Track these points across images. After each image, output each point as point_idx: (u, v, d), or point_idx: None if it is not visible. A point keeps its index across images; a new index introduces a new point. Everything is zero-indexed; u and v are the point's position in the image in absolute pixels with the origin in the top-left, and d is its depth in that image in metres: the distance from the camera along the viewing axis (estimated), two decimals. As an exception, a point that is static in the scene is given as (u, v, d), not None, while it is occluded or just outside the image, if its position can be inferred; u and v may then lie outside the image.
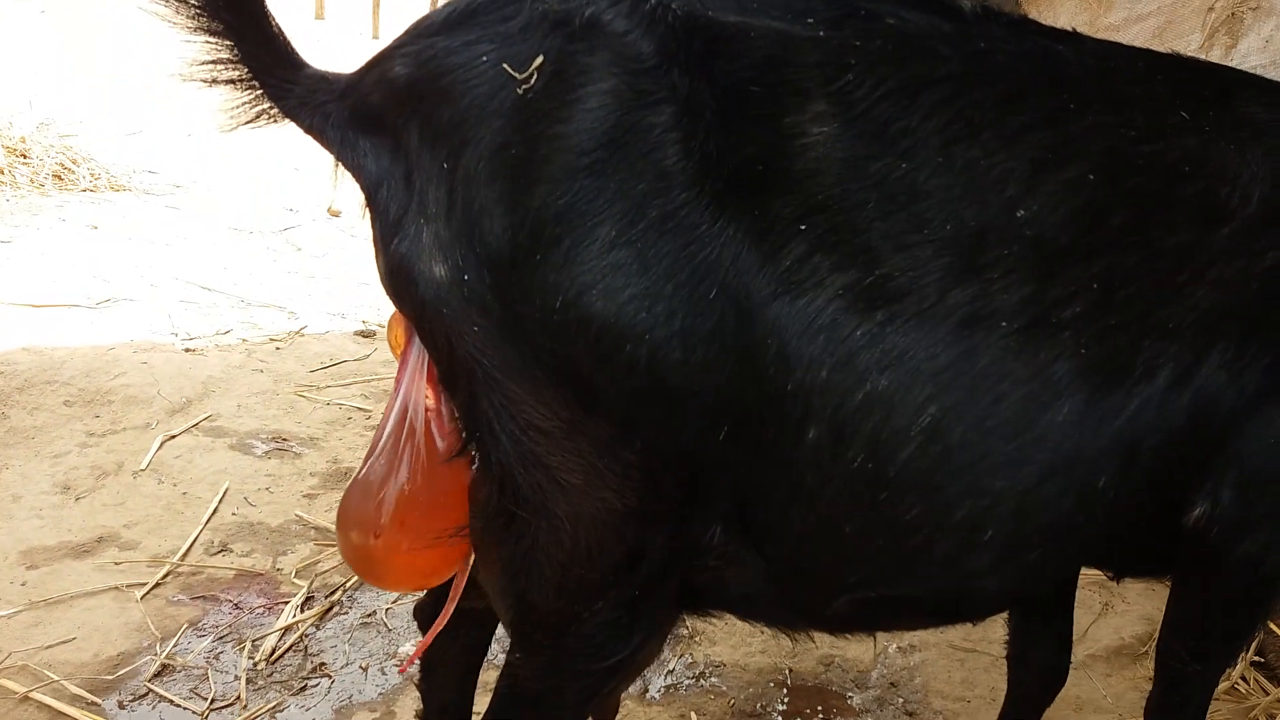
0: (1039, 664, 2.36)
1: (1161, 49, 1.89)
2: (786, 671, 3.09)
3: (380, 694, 2.88)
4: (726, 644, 3.21)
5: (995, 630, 3.28)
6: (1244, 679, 2.80)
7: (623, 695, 2.96)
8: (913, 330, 1.52)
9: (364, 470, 1.69)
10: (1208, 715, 2.63)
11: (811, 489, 1.58)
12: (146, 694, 2.77)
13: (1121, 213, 1.62)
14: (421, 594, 2.24)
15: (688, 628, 3.25)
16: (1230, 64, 4.69)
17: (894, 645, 3.20)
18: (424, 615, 2.17)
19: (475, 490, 1.67)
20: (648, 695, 2.97)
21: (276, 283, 5.96)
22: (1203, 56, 3.49)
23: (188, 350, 4.88)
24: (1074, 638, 3.18)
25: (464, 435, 1.60)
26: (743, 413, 1.53)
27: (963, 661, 3.12)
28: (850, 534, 1.61)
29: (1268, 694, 2.67)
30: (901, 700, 2.98)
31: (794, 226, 1.50)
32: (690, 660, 3.13)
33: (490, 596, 1.77)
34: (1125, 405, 1.59)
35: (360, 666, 2.99)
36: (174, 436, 4.06)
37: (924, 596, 1.72)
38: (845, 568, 1.66)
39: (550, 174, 1.46)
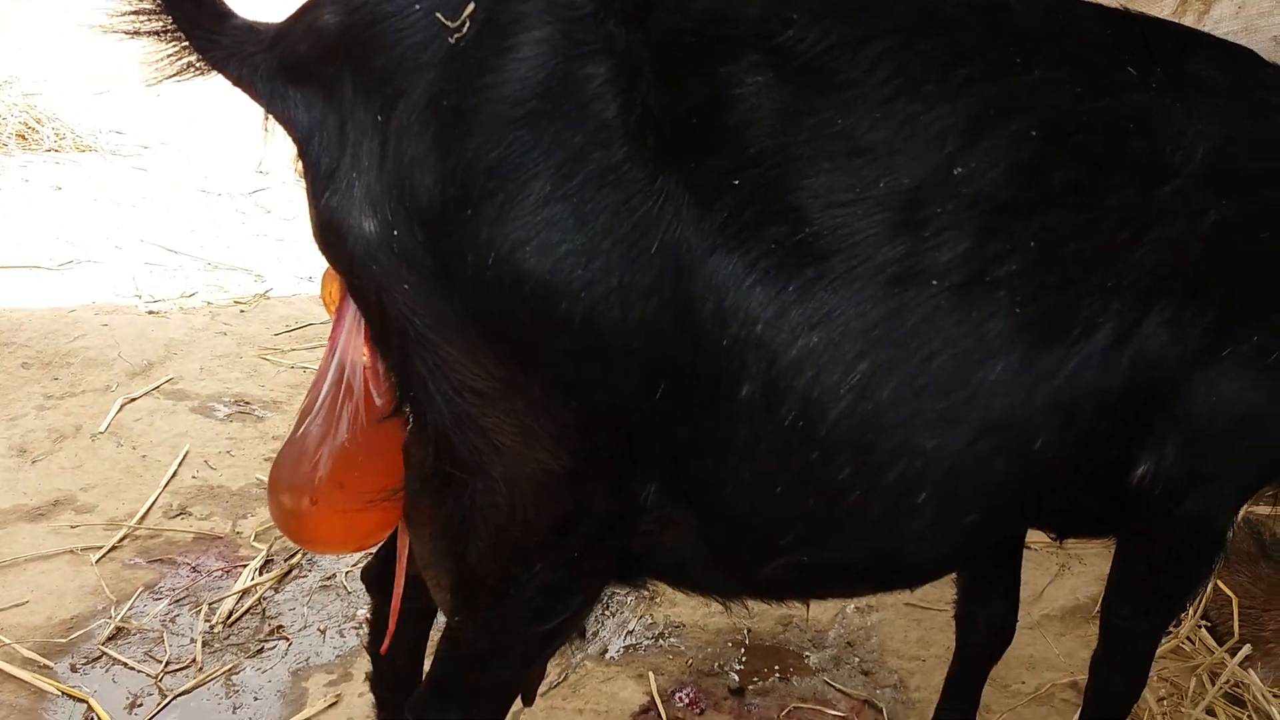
0: (987, 623, 2.36)
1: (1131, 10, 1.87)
2: (745, 632, 3.10)
3: (338, 656, 2.88)
4: (687, 605, 3.21)
5: (951, 590, 3.29)
6: (1190, 639, 2.83)
7: (582, 655, 2.98)
8: (844, 287, 1.50)
9: (299, 431, 1.66)
10: (1154, 675, 2.67)
11: (744, 447, 1.56)
12: (100, 657, 2.76)
13: (1063, 170, 1.60)
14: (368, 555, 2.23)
15: (649, 589, 3.26)
16: (1203, 30, 4.66)
17: (851, 606, 3.22)
18: (371, 578, 2.16)
19: (411, 451, 1.66)
20: (607, 655, 2.98)
21: (244, 245, 5.88)
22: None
23: (151, 313, 4.82)
24: (1030, 598, 3.22)
25: (398, 396, 1.58)
26: (680, 370, 1.51)
27: (919, 621, 3.14)
28: (783, 494, 1.59)
29: (1213, 653, 2.70)
30: (858, 659, 3.01)
31: (729, 180, 1.48)
32: (650, 621, 3.14)
33: (422, 561, 1.76)
34: (1063, 364, 1.58)
35: (318, 629, 2.98)
36: (134, 399, 4.02)
37: (860, 560, 1.71)
38: (779, 530, 1.65)
39: (482, 125, 1.42)
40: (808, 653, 3.04)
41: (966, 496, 1.62)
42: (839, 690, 2.87)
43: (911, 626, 3.11)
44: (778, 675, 2.93)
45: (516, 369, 1.50)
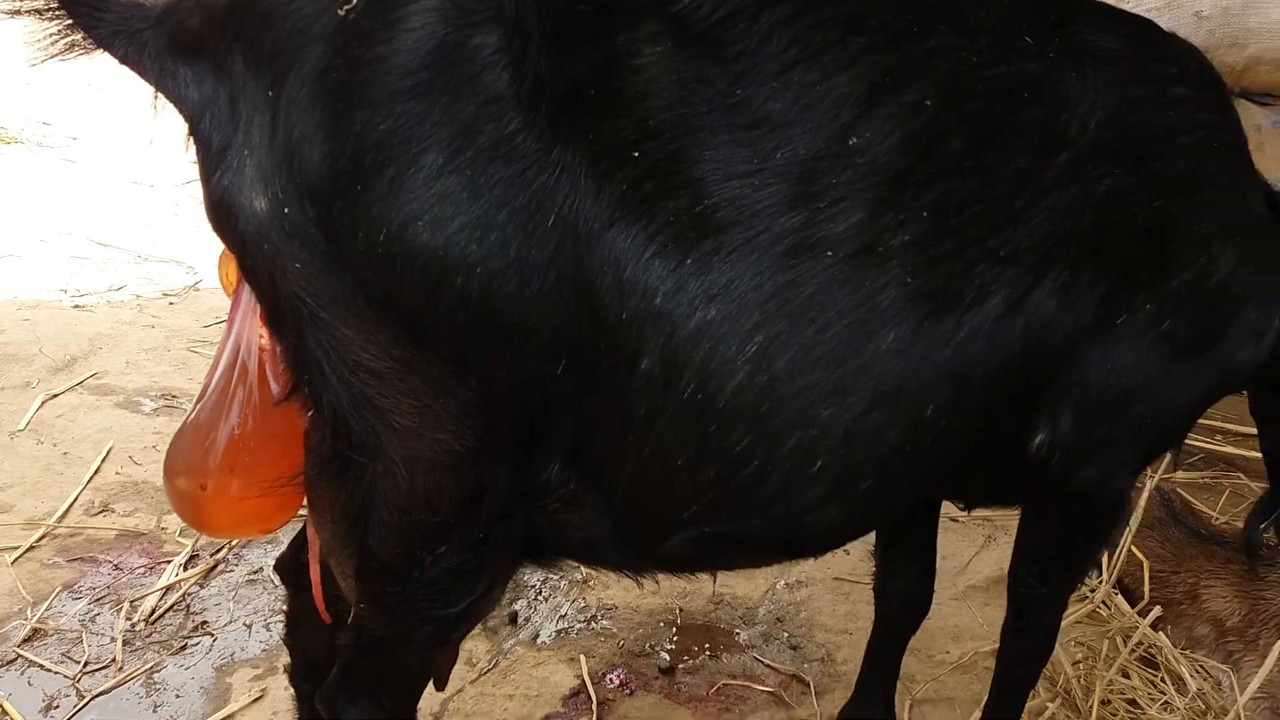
0: (904, 594, 2.39)
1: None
2: (677, 611, 3.11)
3: (264, 650, 2.85)
4: (620, 588, 3.22)
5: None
6: (1105, 604, 2.89)
7: (514, 641, 2.97)
8: (741, 259, 1.50)
9: (193, 414, 1.64)
10: (1070, 640, 2.72)
11: (645, 421, 1.56)
12: (15, 659, 2.70)
13: (959, 138, 1.60)
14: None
15: (582, 573, 3.26)
16: (1125, 5, 4.73)
17: (781, 582, 3.25)
18: (284, 568, 2.13)
19: (309, 435, 1.64)
20: (539, 640, 2.98)
21: (175, 237, 5.76)
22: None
23: (76, 307, 4.72)
24: (956, 569, 3.28)
25: (293, 378, 1.56)
26: (580, 345, 1.51)
27: (847, 595, 3.18)
28: (683, 467, 1.59)
29: (1126, 617, 2.76)
30: (787, 634, 3.03)
31: (628, 151, 1.46)
32: (583, 604, 3.14)
33: (326, 547, 1.73)
34: (955, 333, 1.59)
35: (244, 624, 2.94)
36: (56, 395, 3.93)
37: (762, 530, 1.71)
38: (680, 503, 1.65)
39: (371, 98, 1.40)
40: (738, 630, 3.05)
41: (862, 464, 1.63)
42: (768, 665, 2.89)
43: (840, 601, 3.14)
44: (708, 653, 2.95)
45: (413, 347, 1.48)
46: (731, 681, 2.83)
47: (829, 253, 1.52)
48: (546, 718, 2.69)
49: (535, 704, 2.73)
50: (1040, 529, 2.01)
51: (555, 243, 1.44)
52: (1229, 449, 4.08)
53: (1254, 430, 4.21)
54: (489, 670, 2.84)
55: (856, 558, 3.34)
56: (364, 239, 1.42)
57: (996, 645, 2.77)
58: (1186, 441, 4.16)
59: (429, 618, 1.69)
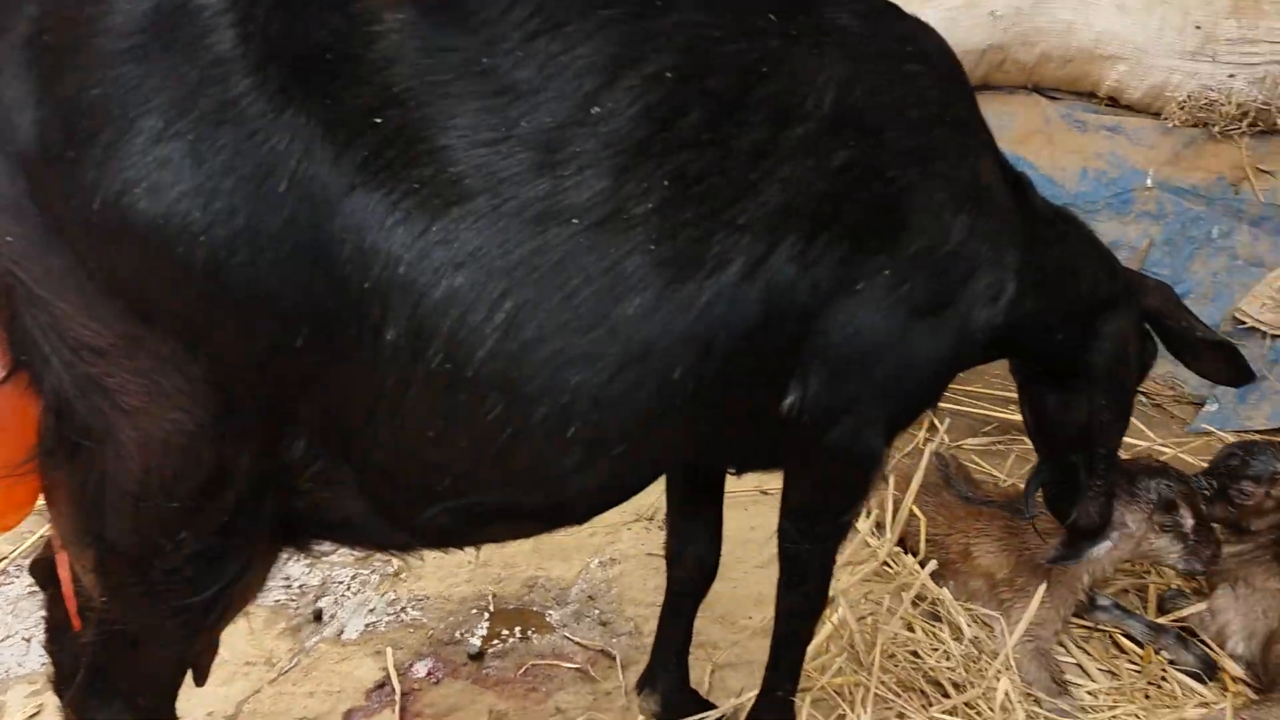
0: (693, 560, 2.44)
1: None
2: (490, 597, 3.10)
3: (43, 665, 2.67)
4: (433, 578, 3.18)
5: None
6: (889, 562, 3.04)
7: (317, 638, 2.89)
8: (487, 226, 1.49)
9: (-97, 406, 1.52)
10: (860, 597, 2.84)
11: (394, 393, 1.54)
12: None
13: (697, 111, 1.64)
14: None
15: (394, 565, 3.21)
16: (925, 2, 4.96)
17: (595, 560, 3.28)
18: (40, 571, 2.01)
19: (38, 421, 1.55)
20: (343, 636, 2.91)
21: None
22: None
23: None
24: (763, 538, 3.35)
25: (12, 360, 1.47)
26: (322, 316, 1.46)
27: (658, 569, 3.18)
28: (435, 439, 1.58)
29: (911, 573, 2.90)
30: (598, 611, 3.06)
31: (369, 118, 1.44)
32: (393, 597, 3.09)
33: (64, 539, 1.65)
34: (697, 298, 1.62)
35: (23, 638, 2.78)
36: None
37: (521, 499, 1.71)
38: (435, 475, 1.63)
39: (84, 61, 1.34)
40: (550, 611, 3.06)
41: (613, 430, 1.65)
42: (577, 643, 2.91)
43: (650, 575, 3.19)
44: (518, 636, 2.94)
45: (138, 323, 1.42)
46: (540, 662, 2.83)
47: (574, 220, 1.53)
48: (349, 712, 2.64)
49: (337, 699, 2.67)
50: (800, 487, 2.08)
51: (289, 210, 1.40)
52: (1018, 416, 4.33)
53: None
54: (289, 669, 2.76)
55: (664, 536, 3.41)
56: (79, 208, 1.36)
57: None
58: (982, 410, 4.44)
59: (176, 608, 1.62)
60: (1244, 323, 4.67)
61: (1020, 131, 4.95)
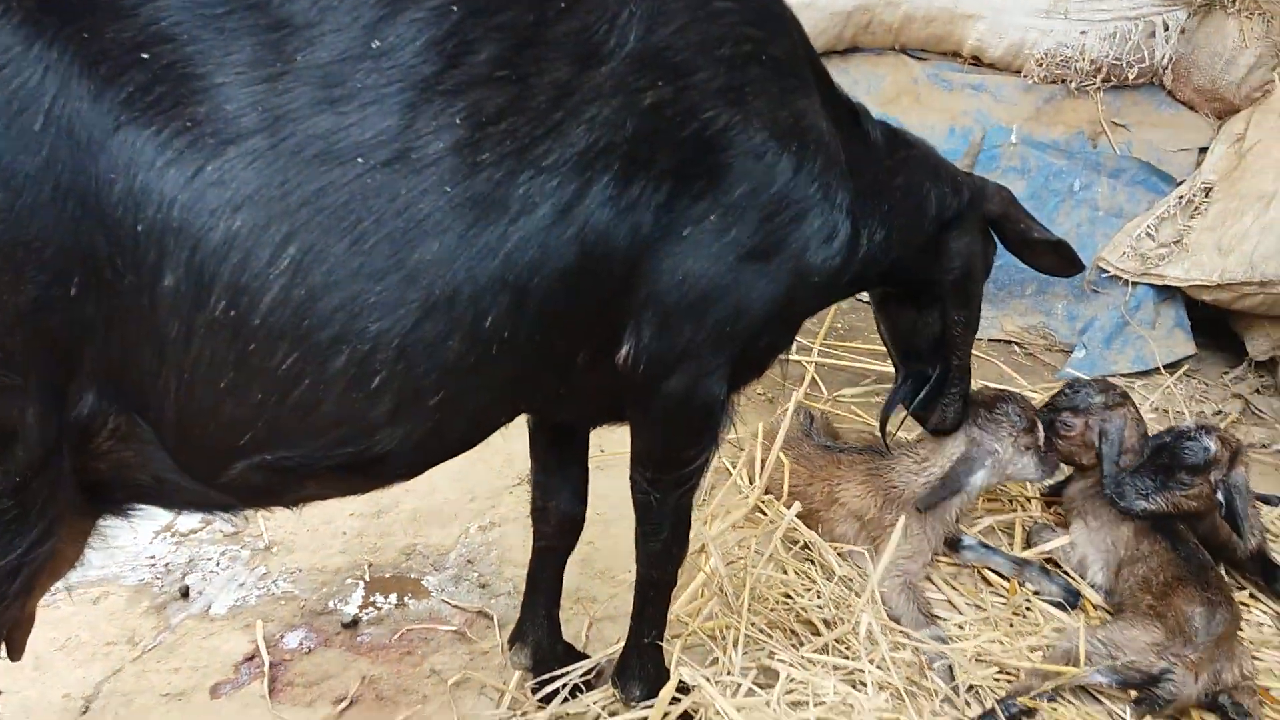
0: (558, 515, 2.42)
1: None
2: (365, 567, 3.04)
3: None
4: (306, 550, 3.11)
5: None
6: (761, 509, 3.09)
7: (184, 615, 2.81)
8: (266, 166, 1.43)
9: None
10: (733, 544, 2.87)
11: (179, 344, 1.46)
12: None
13: (490, 47, 1.57)
14: None
15: (265, 540, 3.13)
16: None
17: (475, 525, 3.25)
18: None
19: None
20: (211, 612, 2.83)
21: None
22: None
23: None
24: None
25: None
26: (95, 263, 1.39)
27: (537, 531, 3.21)
28: (228, 391, 1.50)
29: (777, 513, 2.96)
30: (477, 574, 3.03)
31: (134, 53, 1.37)
32: (264, 571, 3.01)
33: None
34: (503, 242, 1.57)
35: None
36: None
37: (331, 454, 1.62)
38: (233, 430, 1.55)
39: None
40: (428, 577, 3.03)
41: (425, 379, 1.58)
42: (455, 606, 2.88)
43: (529, 536, 3.14)
44: (394, 603, 2.90)
45: None
46: (416, 626, 2.80)
47: (359, 159, 1.47)
48: (216, 686, 2.56)
49: (204, 674, 2.59)
50: (644, 437, 2.06)
51: (48, 150, 1.33)
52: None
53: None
54: (153, 647, 2.67)
55: (551, 496, 3.40)
56: None
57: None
58: (860, 364, 4.53)
59: None
60: (1107, 271, 4.86)
61: (889, 92, 5.06)
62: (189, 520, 3.18)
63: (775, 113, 1.85)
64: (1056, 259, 2.58)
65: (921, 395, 2.70)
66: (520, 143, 1.57)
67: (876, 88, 5.08)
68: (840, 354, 4.64)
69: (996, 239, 2.61)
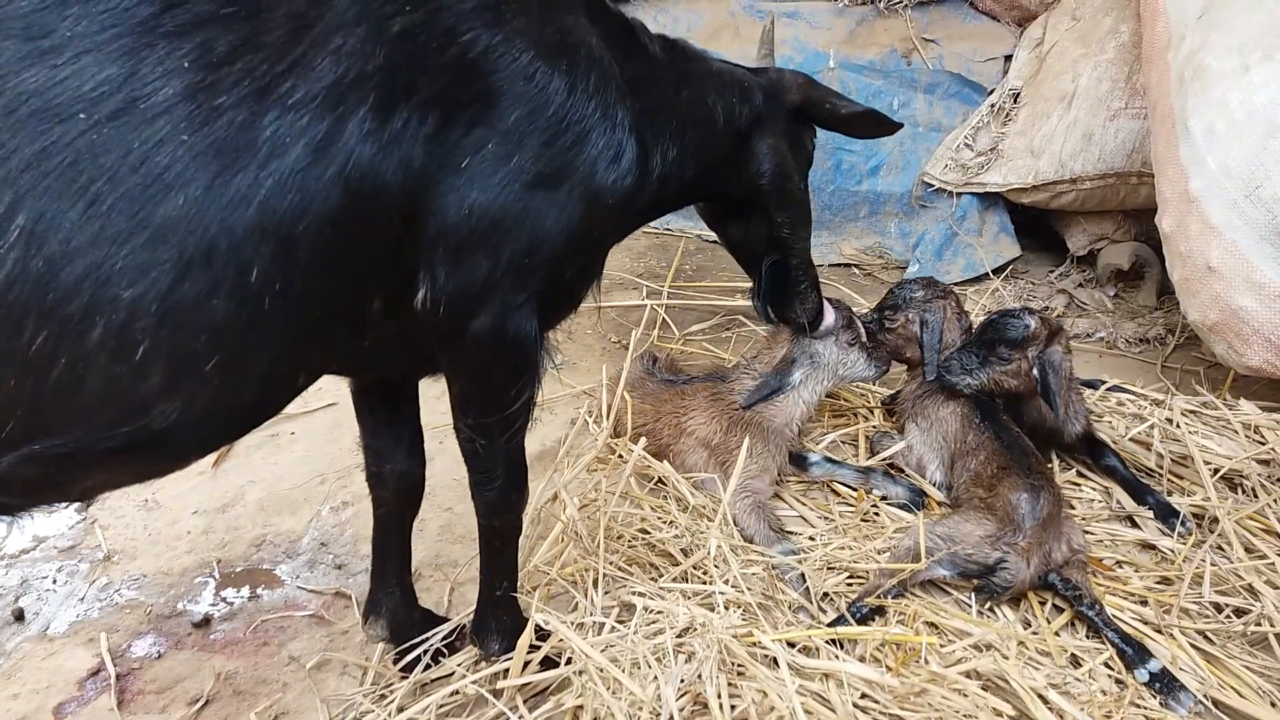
0: (395, 477, 2.36)
1: None
2: (214, 564, 2.94)
3: None
4: (149, 555, 2.99)
5: (432, 470, 3.37)
6: (614, 449, 3.12)
7: (20, 639, 2.67)
8: None
9: None
10: (587, 487, 2.88)
11: None
12: None
13: None
14: None
15: (104, 550, 2.99)
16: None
17: (326, 508, 3.17)
18: None
19: None
20: (49, 631, 2.69)
21: None
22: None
23: None
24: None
25: None
26: None
27: (390, 503, 3.16)
28: None
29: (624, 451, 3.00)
30: (332, 557, 2.97)
31: None
32: (105, 582, 2.88)
33: None
34: (256, 188, 1.49)
35: None
36: None
37: (107, 438, 1.50)
38: None
39: None
40: (281, 565, 2.95)
41: (196, 343, 1.49)
42: (311, 591, 2.82)
43: (383, 510, 3.12)
44: (247, 596, 2.82)
45: None
46: (271, 616, 2.72)
47: (81, 114, 1.37)
48: (59, 706, 2.45)
49: (45, 695, 2.47)
50: (460, 382, 2.01)
51: None
52: (739, 304, 4.53)
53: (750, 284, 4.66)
54: (-13, 677, 2.53)
55: (405, 467, 3.35)
56: None
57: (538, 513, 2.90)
58: (709, 301, 4.59)
59: None
60: (932, 185, 5.03)
61: (708, 28, 5.09)
62: (18, 540, 3.02)
63: (539, 32, 1.81)
64: (869, 124, 2.65)
65: (763, 289, 2.78)
66: (260, 82, 1.49)
67: (696, 25, 5.11)
68: (689, 294, 4.69)
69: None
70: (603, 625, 2.37)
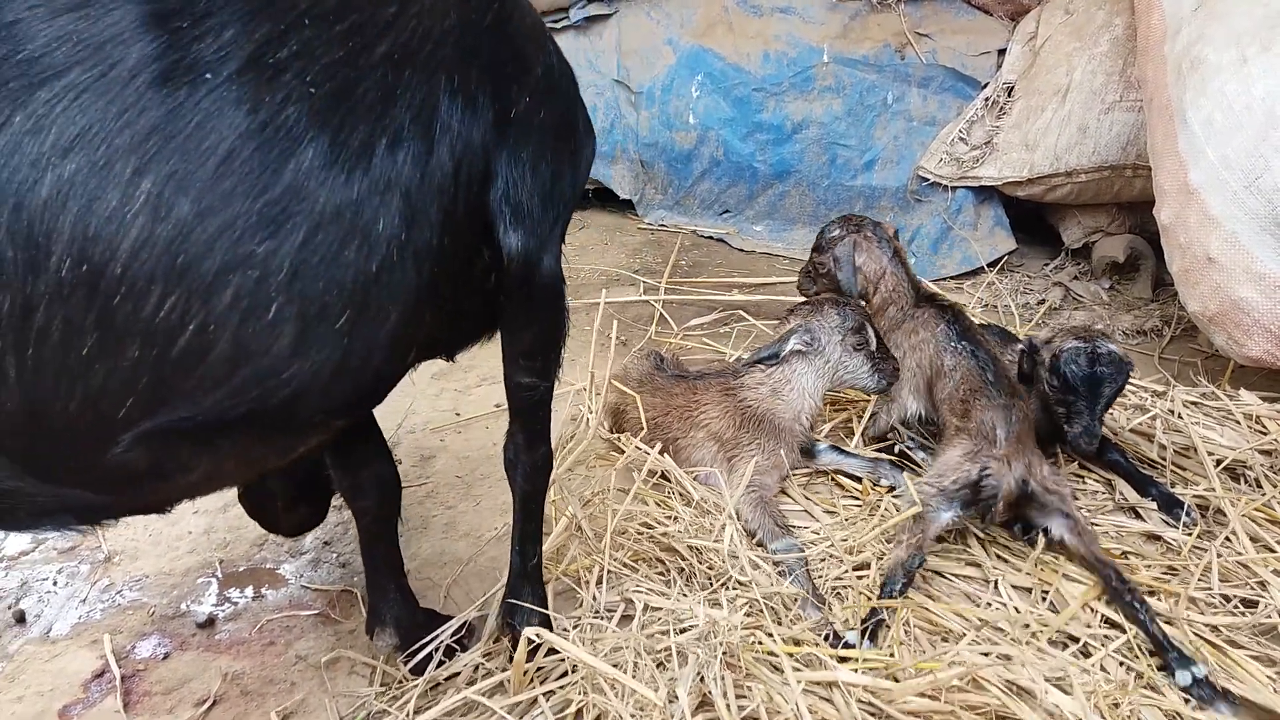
0: (375, 481, 2.31)
1: None
2: (217, 564, 2.92)
3: None
4: (151, 556, 2.97)
5: (430, 467, 3.36)
6: (619, 448, 3.11)
7: (22, 641, 2.64)
8: (94, 100, 1.32)
9: None
10: (590, 480, 2.87)
11: (16, 319, 1.32)
12: None
13: None
14: None
15: (105, 551, 2.97)
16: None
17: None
18: None
19: None
20: (52, 633, 2.67)
21: None
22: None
23: None
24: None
25: None
26: None
27: (393, 501, 3.15)
28: (93, 357, 1.37)
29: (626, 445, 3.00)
30: (336, 555, 2.95)
31: None
32: (107, 583, 2.85)
33: None
34: (376, 142, 1.55)
35: None
36: None
37: (232, 407, 1.49)
38: (108, 399, 1.40)
39: None
40: (285, 564, 2.93)
41: (328, 297, 1.50)
42: (316, 589, 2.80)
43: (385, 508, 3.10)
44: (251, 596, 2.80)
45: None
46: (276, 615, 2.71)
47: (208, 75, 1.39)
48: (65, 709, 2.42)
49: (50, 698, 2.45)
50: (531, 328, 2.05)
51: None
52: (740, 297, 4.53)
53: (757, 280, 4.70)
54: (-10, 680, 2.51)
55: (409, 464, 3.34)
56: None
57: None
58: (707, 297, 4.59)
59: None
60: (927, 179, 5.03)
61: (703, 24, 5.08)
62: (17, 542, 2.99)
63: (526, 6, 1.98)
64: None
65: None
66: (366, 39, 1.57)
67: (690, 21, 5.09)
68: (686, 290, 4.69)
69: None
70: (606, 626, 2.36)
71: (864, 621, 2.41)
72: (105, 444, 1.45)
